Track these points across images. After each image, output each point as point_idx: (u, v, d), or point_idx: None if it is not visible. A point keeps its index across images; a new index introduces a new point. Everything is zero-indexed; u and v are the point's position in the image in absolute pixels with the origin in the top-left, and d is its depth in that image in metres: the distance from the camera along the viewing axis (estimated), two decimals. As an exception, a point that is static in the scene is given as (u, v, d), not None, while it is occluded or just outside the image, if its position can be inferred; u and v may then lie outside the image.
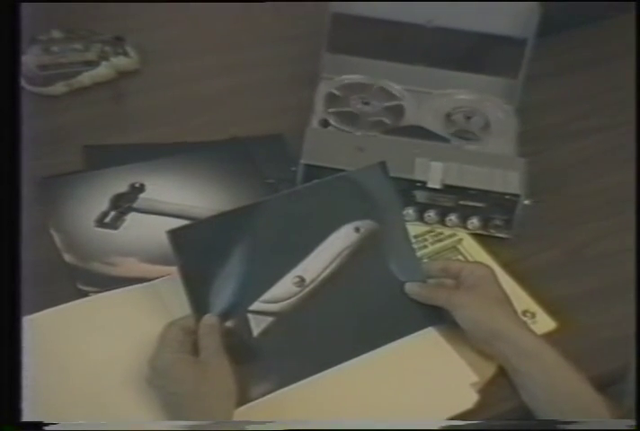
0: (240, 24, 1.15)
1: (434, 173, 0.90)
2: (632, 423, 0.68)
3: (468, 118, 1.00)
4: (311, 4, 1.08)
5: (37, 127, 0.96)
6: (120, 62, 1.05)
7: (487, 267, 0.82)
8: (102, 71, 1.04)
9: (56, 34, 1.06)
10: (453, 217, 0.91)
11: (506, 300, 0.79)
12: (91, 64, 1.04)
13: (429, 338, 0.80)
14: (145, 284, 0.81)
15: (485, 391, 0.77)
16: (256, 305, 0.76)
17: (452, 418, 0.75)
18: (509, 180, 0.90)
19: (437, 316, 0.80)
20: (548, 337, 0.80)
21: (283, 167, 0.94)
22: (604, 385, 0.75)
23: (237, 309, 0.76)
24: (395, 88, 1.02)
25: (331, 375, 0.76)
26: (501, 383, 0.78)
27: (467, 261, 0.88)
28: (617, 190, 0.97)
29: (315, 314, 0.78)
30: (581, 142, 1.03)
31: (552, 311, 0.84)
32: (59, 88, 1.02)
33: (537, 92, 1.03)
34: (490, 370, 0.78)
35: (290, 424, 0.70)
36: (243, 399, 0.73)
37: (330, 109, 0.98)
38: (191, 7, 1.13)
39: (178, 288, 0.75)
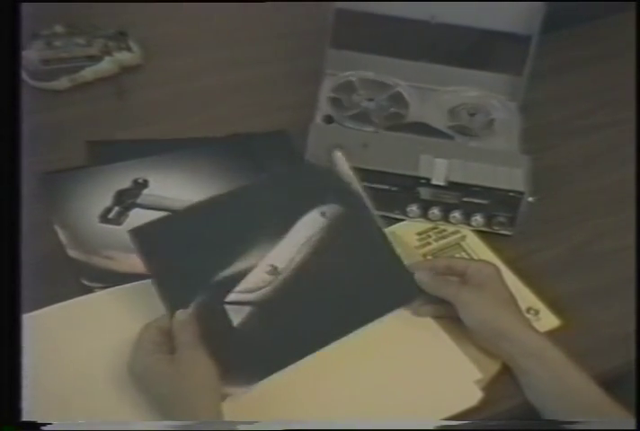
0: (244, 20, 1.15)
1: (438, 170, 0.90)
2: (632, 423, 0.68)
3: (472, 114, 0.99)
4: (316, 4, 1.08)
5: (39, 121, 0.96)
6: (123, 57, 1.05)
7: (493, 265, 0.82)
8: (105, 66, 1.04)
9: (59, 29, 1.06)
10: (457, 214, 0.91)
11: (512, 299, 0.79)
12: (94, 59, 1.04)
13: (430, 331, 0.81)
14: (149, 280, 0.81)
15: (489, 388, 0.77)
16: (232, 296, 0.77)
17: (455, 416, 0.75)
18: (513, 178, 0.90)
19: (409, 296, 0.81)
20: (552, 334, 0.80)
21: (286, 163, 0.94)
22: (608, 382, 0.75)
23: (213, 302, 0.76)
24: (399, 84, 1.01)
25: (321, 363, 0.76)
26: (504, 381, 0.78)
27: (473, 259, 0.88)
28: (622, 187, 0.97)
29: (293, 301, 0.78)
30: (585, 139, 1.03)
31: (556, 308, 0.84)
32: (62, 83, 1.02)
33: (541, 89, 1.03)
34: (494, 367, 0.78)
35: (289, 424, 0.70)
36: (228, 391, 0.73)
37: (333, 106, 0.98)
38: (194, 3, 1.13)
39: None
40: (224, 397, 0.72)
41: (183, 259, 0.76)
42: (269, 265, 0.79)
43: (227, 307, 0.76)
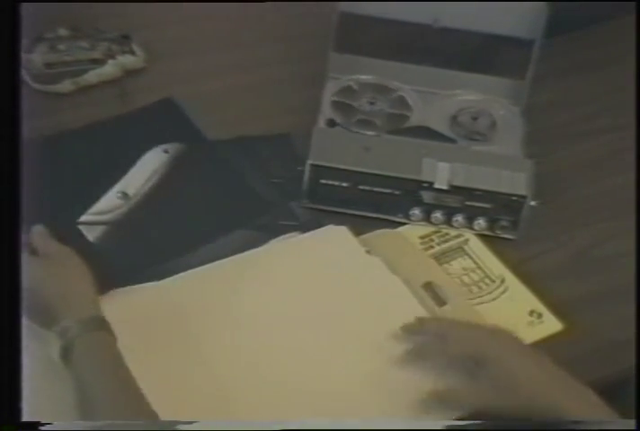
0: (247, 23, 1.15)
1: (441, 174, 0.90)
2: (632, 423, 0.68)
3: (475, 118, 0.99)
4: (317, 4, 1.08)
5: (43, 124, 0.96)
6: (127, 60, 1.05)
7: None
8: (109, 69, 1.04)
9: (62, 32, 1.06)
10: (459, 218, 0.91)
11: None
12: (97, 62, 1.04)
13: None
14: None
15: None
16: (84, 218, 0.85)
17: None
18: (515, 181, 0.90)
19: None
20: (555, 338, 0.80)
21: (289, 166, 0.94)
22: (610, 386, 0.75)
23: (67, 221, 0.84)
24: (402, 88, 1.02)
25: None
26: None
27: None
28: (624, 192, 0.97)
29: (146, 218, 0.86)
30: (588, 143, 1.03)
31: (559, 312, 0.84)
32: (66, 86, 1.02)
33: (544, 92, 1.03)
34: None
35: (287, 424, 0.70)
36: (106, 286, 0.77)
37: (336, 109, 0.98)
38: (198, 6, 1.13)
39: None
40: (100, 295, 0.76)
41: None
42: (119, 192, 0.87)
43: (81, 227, 0.85)
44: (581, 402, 0.70)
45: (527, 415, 0.71)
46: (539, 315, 0.84)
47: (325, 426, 0.70)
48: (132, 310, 0.77)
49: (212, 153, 0.94)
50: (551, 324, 0.83)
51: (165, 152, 0.92)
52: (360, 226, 0.90)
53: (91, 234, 0.85)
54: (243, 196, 0.91)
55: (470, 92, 1.02)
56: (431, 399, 0.74)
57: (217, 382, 0.74)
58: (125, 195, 0.87)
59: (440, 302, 0.84)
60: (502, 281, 0.87)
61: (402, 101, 1.00)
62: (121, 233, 0.86)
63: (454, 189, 0.90)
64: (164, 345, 0.76)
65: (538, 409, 0.70)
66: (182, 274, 0.82)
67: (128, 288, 0.80)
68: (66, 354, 0.70)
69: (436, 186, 0.89)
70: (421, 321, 0.79)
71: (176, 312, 0.79)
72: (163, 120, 0.98)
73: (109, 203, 0.87)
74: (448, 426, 0.72)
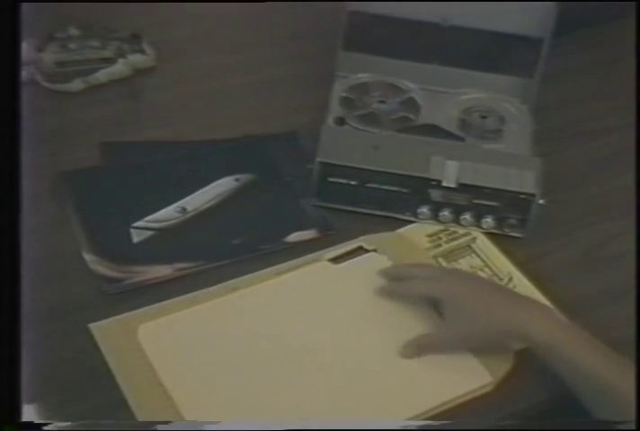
0: (256, 22, 1.15)
1: (449, 172, 0.90)
2: (632, 423, 0.68)
3: (484, 117, 1.00)
4: (325, 3, 1.08)
5: (53, 123, 0.97)
6: (137, 59, 1.06)
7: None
8: (119, 68, 1.05)
9: (73, 32, 1.07)
10: (467, 216, 0.91)
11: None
12: (108, 61, 1.05)
13: None
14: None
15: (500, 387, 0.77)
16: (138, 223, 0.87)
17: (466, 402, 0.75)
18: (524, 180, 0.90)
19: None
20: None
21: (298, 165, 0.95)
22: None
23: (122, 226, 0.87)
24: (411, 87, 1.02)
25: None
26: (514, 382, 0.78)
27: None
28: (633, 190, 0.97)
29: (194, 232, 0.88)
30: (596, 141, 1.03)
31: (567, 310, 0.84)
32: (76, 85, 1.03)
33: (552, 91, 1.03)
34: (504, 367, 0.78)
35: (286, 425, 0.70)
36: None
37: (345, 108, 0.98)
38: (208, 5, 1.13)
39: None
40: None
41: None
42: (179, 207, 0.90)
43: (131, 230, 0.87)
44: (545, 320, 0.74)
45: (499, 342, 0.77)
46: (547, 313, 0.84)
47: (326, 427, 0.70)
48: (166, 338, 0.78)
49: (280, 181, 0.95)
50: (559, 322, 0.83)
51: (236, 180, 0.93)
52: (368, 225, 0.90)
53: (137, 237, 0.86)
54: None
55: (479, 91, 1.02)
56: (410, 347, 0.78)
57: (241, 384, 0.74)
58: (184, 210, 0.89)
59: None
60: (510, 279, 0.87)
61: (410, 100, 1.01)
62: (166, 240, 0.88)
63: (462, 188, 0.90)
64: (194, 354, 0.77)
65: (507, 334, 0.75)
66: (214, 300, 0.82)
67: (166, 318, 0.79)
68: None
69: (444, 184, 0.90)
70: (391, 267, 0.85)
71: (210, 333, 0.79)
72: (242, 154, 0.99)
73: (166, 214, 0.89)
74: (452, 426, 0.73)
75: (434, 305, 0.80)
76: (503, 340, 0.78)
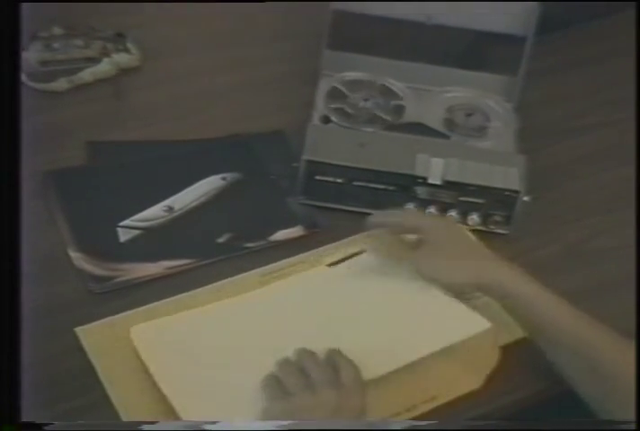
0: (241, 21, 1.15)
1: (435, 169, 0.90)
2: (631, 424, 0.69)
3: (468, 115, 1.00)
4: (309, 3, 1.09)
5: (38, 122, 0.96)
6: (122, 59, 1.06)
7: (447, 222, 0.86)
8: (104, 67, 1.04)
9: (57, 31, 1.07)
10: (453, 213, 0.91)
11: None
12: (92, 60, 1.04)
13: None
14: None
15: (488, 383, 0.77)
16: (125, 222, 0.88)
17: (455, 400, 0.75)
18: (509, 177, 0.91)
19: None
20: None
21: (285, 163, 0.95)
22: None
23: (108, 225, 0.87)
24: (396, 85, 1.02)
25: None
26: (503, 376, 0.78)
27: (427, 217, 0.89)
28: (616, 187, 0.98)
29: (184, 229, 0.88)
30: (580, 139, 1.04)
31: (552, 305, 0.85)
32: (61, 84, 1.02)
33: (536, 89, 1.04)
34: None
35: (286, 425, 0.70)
36: None
37: (331, 106, 0.99)
38: (192, 4, 1.14)
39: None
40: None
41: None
42: (166, 206, 0.90)
43: (118, 229, 0.87)
44: (514, 274, 0.77)
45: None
46: (533, 309, 0.84)
47: (325, 427, 0.70)
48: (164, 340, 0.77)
49: (267, 179, 0.95)
50: (545, 318, 0.84)
51: (223, 179, 0.93)
52: (354, 222, 0.90)
53: (124, 236, 0.87)
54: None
55: (463, 89, 1.03)
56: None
57: (240, 384, 0.73)
58: (170, 208, 0.89)
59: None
60: (496, 275, 0.88)
61: (395, 98, 1.01)
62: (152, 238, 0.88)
63: (448, 185, 0.90)
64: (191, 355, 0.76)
65: (476, 283, 0.77)
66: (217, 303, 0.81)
67: (159, 320, 0.79)
68: None
69: (430, 181, 0.90)
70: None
71: (205, 333, 0.78)
72: (228, 152, 0.98)
73: (153, 213, 0.89)
74: (446, 425, 0.73)
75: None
76: (468, 289, 0.78)
